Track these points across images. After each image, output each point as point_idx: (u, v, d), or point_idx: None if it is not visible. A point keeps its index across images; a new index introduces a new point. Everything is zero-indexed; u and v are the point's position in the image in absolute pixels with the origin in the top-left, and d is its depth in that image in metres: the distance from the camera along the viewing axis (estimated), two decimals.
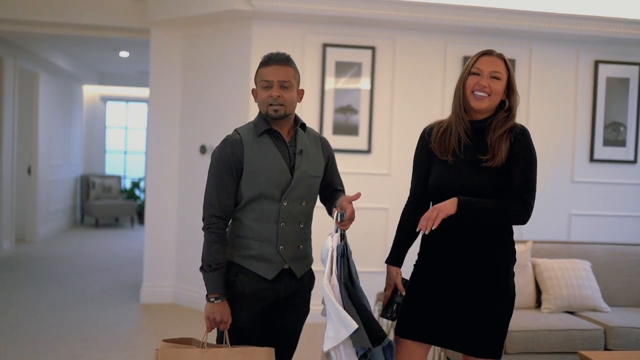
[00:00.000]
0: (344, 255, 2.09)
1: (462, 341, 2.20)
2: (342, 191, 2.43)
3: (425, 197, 2.32)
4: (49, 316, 4.80)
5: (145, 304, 5.22)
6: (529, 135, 2.24)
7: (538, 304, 3.79)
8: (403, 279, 2.32)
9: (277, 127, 2.26)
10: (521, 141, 2.20)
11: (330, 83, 4.80)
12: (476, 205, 2.12)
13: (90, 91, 10.66)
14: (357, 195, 2.16)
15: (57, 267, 6.71)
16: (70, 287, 5.82)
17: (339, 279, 2.04)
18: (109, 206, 10.02)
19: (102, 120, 11.06)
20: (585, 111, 5.11)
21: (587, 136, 5.11)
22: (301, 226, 2.27)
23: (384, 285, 2.35)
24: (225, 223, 2.21)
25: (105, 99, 10.99)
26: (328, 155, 2.40)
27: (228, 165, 2.20)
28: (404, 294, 2.27)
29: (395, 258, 2.32)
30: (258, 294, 2.21)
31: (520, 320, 3.43)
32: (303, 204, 2.26)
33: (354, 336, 1.96)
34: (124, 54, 8.02)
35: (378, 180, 4.86)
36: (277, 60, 2.22)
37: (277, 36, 4.75)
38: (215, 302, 2.14)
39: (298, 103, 2.31)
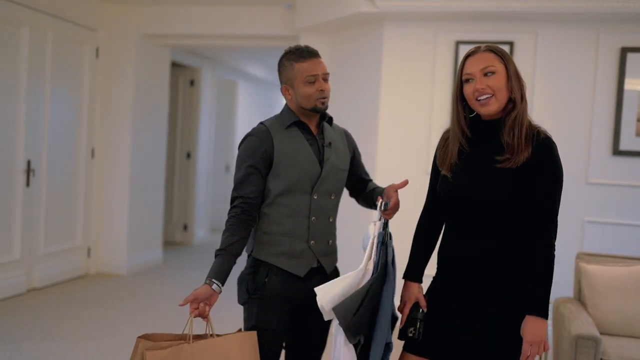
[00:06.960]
0: (384, 243, 2.05)
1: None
2: (372, 181, 2.40)
3: (439, 208, 2.13)
4: None
5: None
6: (556, 147, 1.93)
7: None
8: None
9: (305, 120, 2.20)
10: (547, 151, 1.90)
11: None
12: (545, 295, 1.89)
13: None
14: (404, 183, 2.10)
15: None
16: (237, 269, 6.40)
17: (375, 267, 2.02)
18: None
19: None
20: None
21: None
22: (330, 220, 2.22)
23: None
24: (244, 212, 2.10)
25: None
26: (353, 149, 2.37)
27: (257, 159, 2.11)
28: (425, 310, 2.09)
29: (415, 273, 2.14)
30: (289, 294, 2.14)
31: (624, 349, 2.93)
32: (332, 197, 2.21)
33: (334, 309, 1.96)
34: None
35: None
36: (314, 54, 2.17)
37: (408, 36, 4.69)
38: (205, 284, 2.04)
39: None
